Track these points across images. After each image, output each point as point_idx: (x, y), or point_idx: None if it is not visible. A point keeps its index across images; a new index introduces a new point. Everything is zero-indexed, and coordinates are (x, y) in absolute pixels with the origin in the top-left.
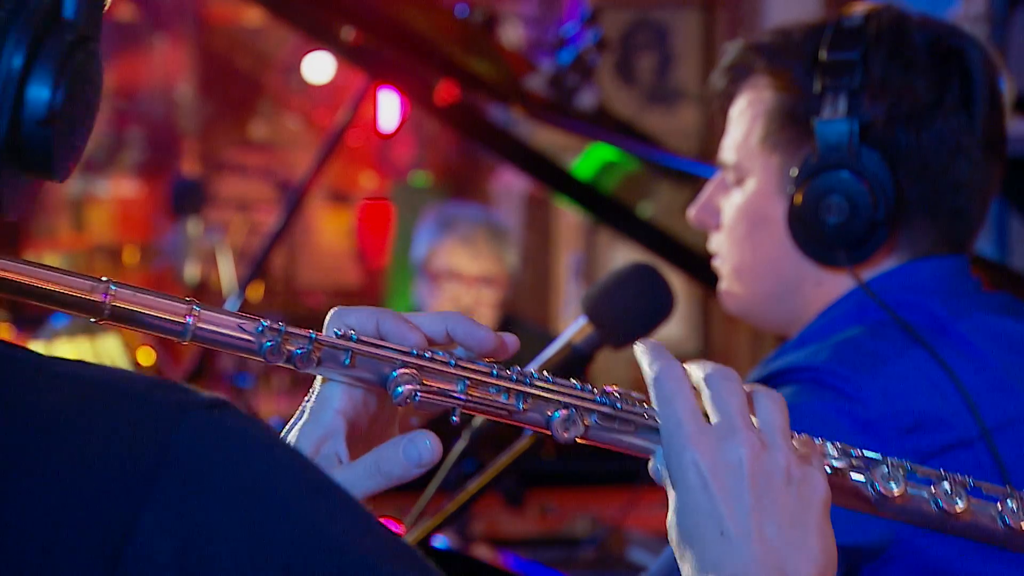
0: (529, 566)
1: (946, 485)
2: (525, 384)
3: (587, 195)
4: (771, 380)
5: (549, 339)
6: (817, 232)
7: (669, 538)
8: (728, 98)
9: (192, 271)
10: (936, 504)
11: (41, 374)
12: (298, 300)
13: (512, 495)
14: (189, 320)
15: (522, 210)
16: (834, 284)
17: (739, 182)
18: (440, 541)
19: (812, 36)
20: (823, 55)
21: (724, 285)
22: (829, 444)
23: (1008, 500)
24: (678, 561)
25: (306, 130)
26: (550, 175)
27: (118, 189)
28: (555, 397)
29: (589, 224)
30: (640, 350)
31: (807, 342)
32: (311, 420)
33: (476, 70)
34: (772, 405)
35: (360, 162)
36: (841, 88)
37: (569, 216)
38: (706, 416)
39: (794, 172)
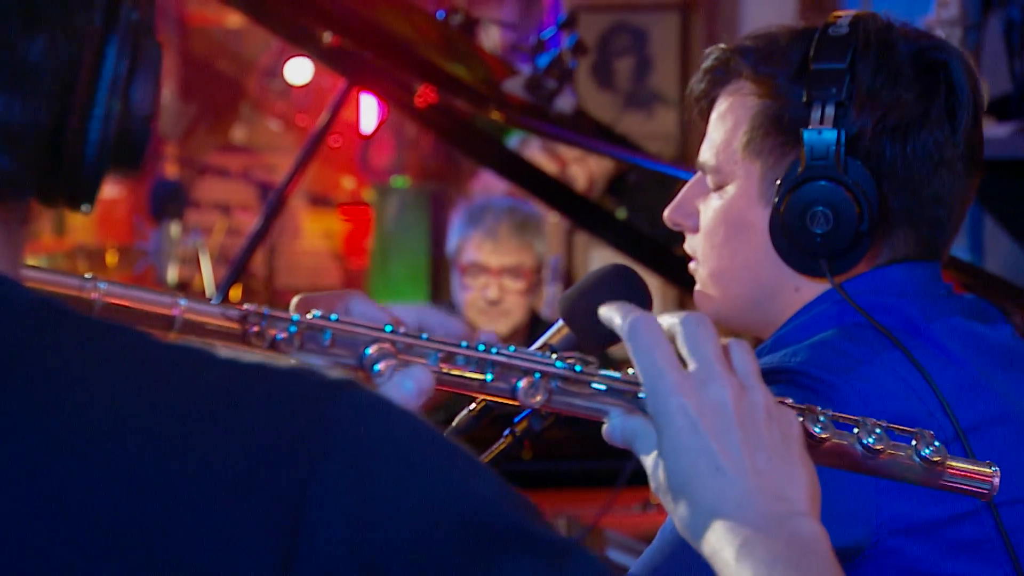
0: None
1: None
2: (491, 354)
3: (565, 197)
4: None
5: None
6: (800, 242)
7: (655, 492)
8: (709, 101)
9: (174, 273)
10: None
11: (180, 359)
12: (279, 301)
13: None
14: (176, 311)
15: None
16: (812, 290)
17: (719, 187)
18: None
19: (798, 43)
20: (810, 64)
21: (700, 288)
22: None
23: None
24: (671, 512)
25: (287, 133)
26: (528, 178)
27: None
28: (519, 364)
29: (567, 226)
30: (607, 310)
31: (782, 344)
32: None
33: (455, 74)
34: (744, 353)
35: (340, 165)
36: (828, 98)
37: (548, 218)
38: (684, 364)
39: (779, 181)
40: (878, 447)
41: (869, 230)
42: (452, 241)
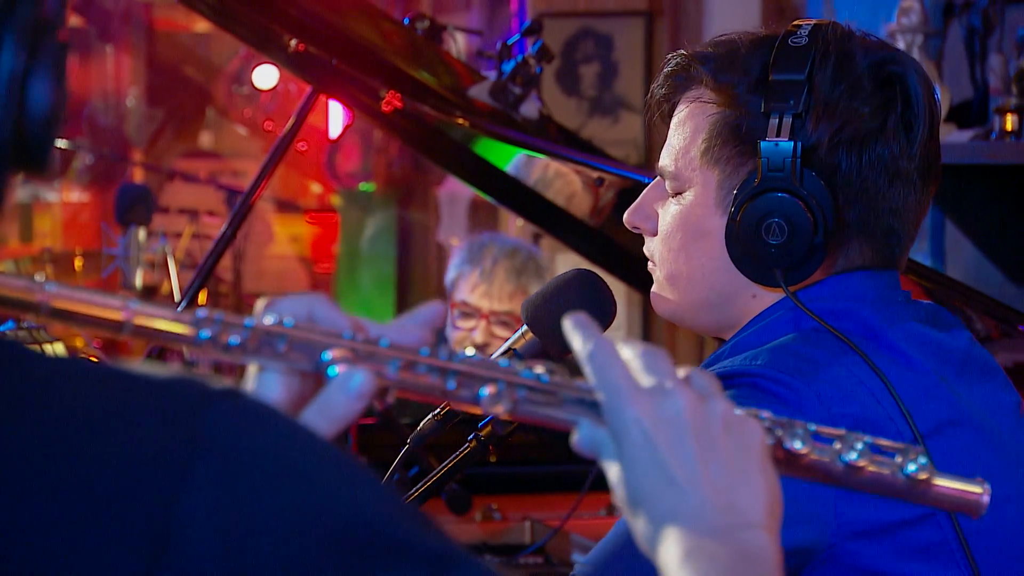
0: None
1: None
2: (454, 362)
3: (529, 203)
4: None
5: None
6: (755, 252)
7: (619, 504)
8: (670, 105)
9: (141, 278)
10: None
11: (60, 372)
12: (246, 306)
13: (457, 501)
14: (126, 315)
15: (467, 217)
16: (769, 297)
17: (677, 192)
18: None
19: (758, 52)
20: (769, 74)
21: (656, 289)
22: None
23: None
24: (632, 525)
25: (254, 138)
26: (492, 183)
27: (67, 196)
28: (483, 373)
29: (533, 231)
30: (569, 326)
31: (741, 348)
32: None
33: (422, 80)
34: (703, 374)
35: (307, 171)
36: (786, 109)
37: (514, 223)
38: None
39: (735, 191)
40: (860, 463)
41: (824, 242)
42: (449, 274)
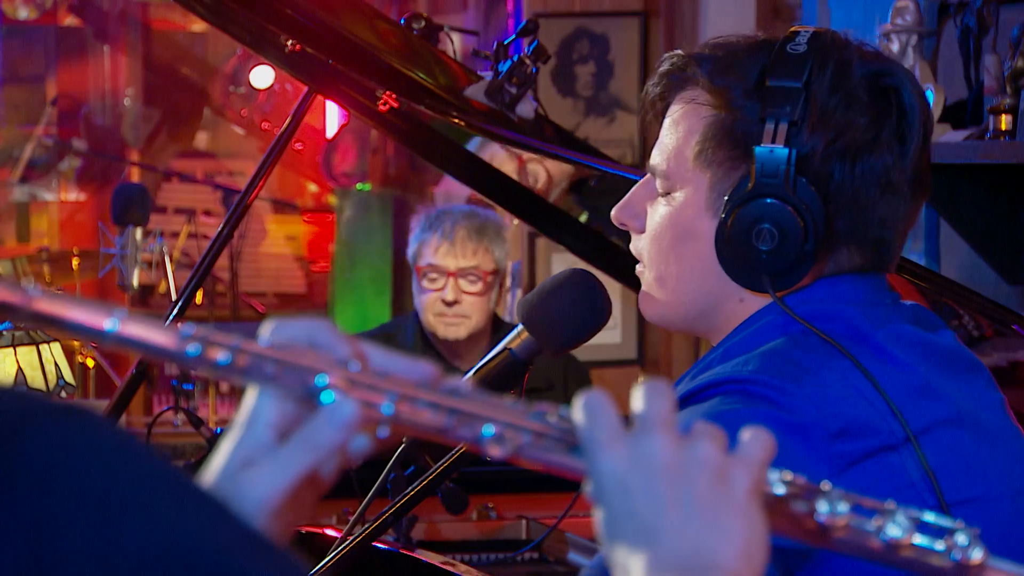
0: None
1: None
2: (456, 399)
3: (526, 203)
4: (699, 393)
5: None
6: (745, 258)
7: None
8: (664, 105)
9: (138, 278)
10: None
11: None
12: (243, 305)
13: (453, 500)
14: (108, 326)
15: None
16: (758, 301)
17: (667, 192)
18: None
19: (755, 57)
20: (767, 80)
21: (646, 290)
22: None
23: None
24: (611, 572)
25: (251, 138)
26: (489, 183)
27: (64, 196)
28: (486, 413)
29: (529, 231)
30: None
31: (732, 355)
32: (241, 435)
33: (418, 80)
34: (703, 423)
35: (303, 170)
36: (782, 116)
37: (510, 223)
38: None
39: (727, 195)
40: (904, 541)
41: (814, 249)
42: (411, 246)
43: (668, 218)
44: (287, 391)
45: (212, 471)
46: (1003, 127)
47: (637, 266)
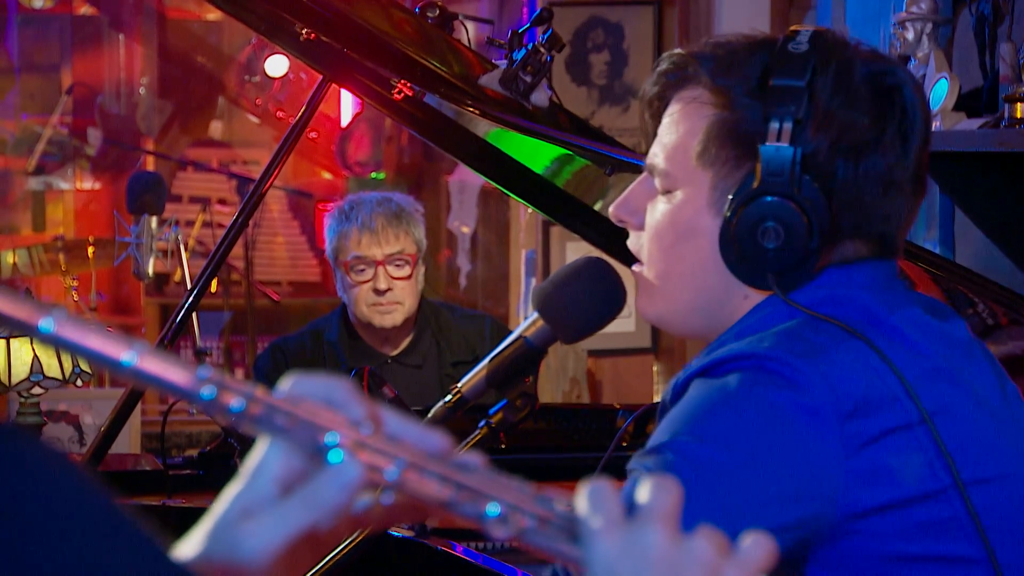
0: (481, 557)
1: None
2: (464, 474)
3: (541, 191)
4: (713, 368)
5: (469, 318)
6: (750, 256)
7: None
8: (661, 103)
9: (153, 266)
10: None
11: None
12: (257, 294)
13: None
14: (126, 360)
15: (478, 206)
16: (759, 299)
17: (667, 190)
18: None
19: (757, 56)
20: (769, 79)
21: (644, 290)
22: None
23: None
24: None
25: (265, 127)
26: (503, 172)
27: (80, 185)
28: (492, 492)
29: (544, 220)
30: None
31: (746, 335)
32: (245, 485)
33: (433, 69)
34: (708, 529)
35: (318, 159)
36: (786, 116)
37: (525, 212)
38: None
39: (731, 194)
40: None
41: (818, 247)
42: (329, 243)
43: (669, 216)
44: (296, 445)
45: (212, 517)
46: (1018, 115)
47: (633, 266)
